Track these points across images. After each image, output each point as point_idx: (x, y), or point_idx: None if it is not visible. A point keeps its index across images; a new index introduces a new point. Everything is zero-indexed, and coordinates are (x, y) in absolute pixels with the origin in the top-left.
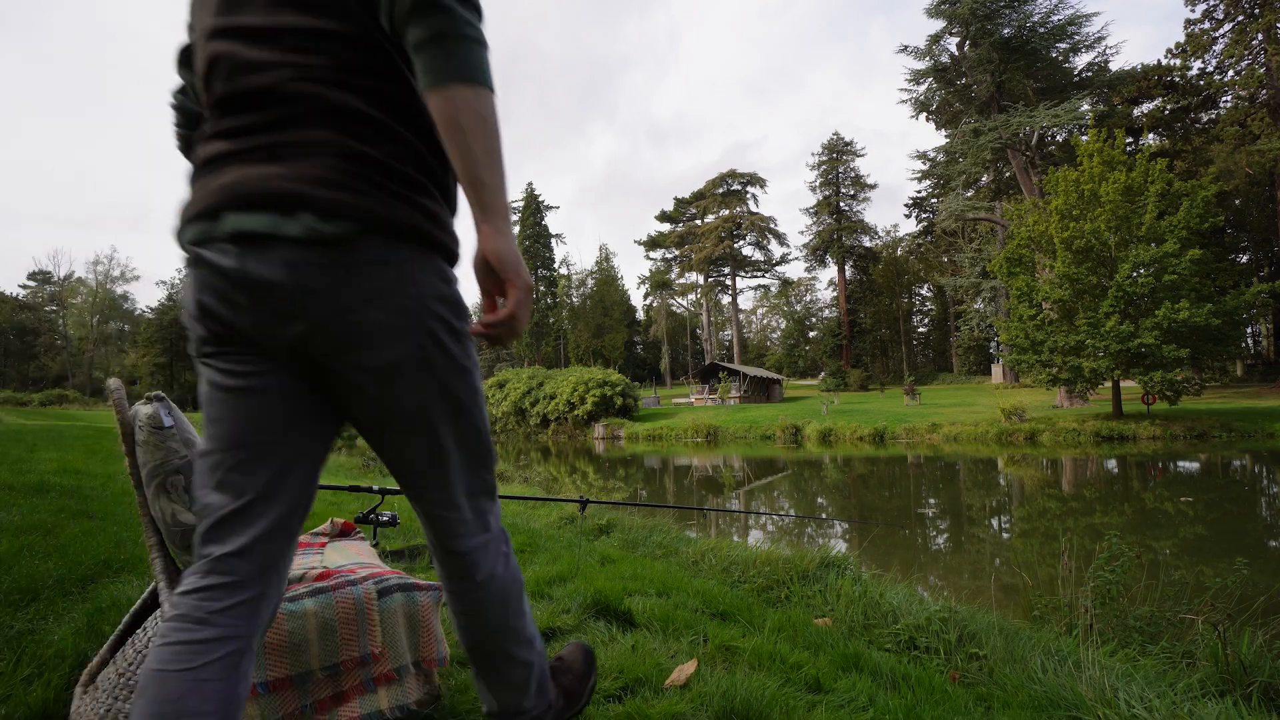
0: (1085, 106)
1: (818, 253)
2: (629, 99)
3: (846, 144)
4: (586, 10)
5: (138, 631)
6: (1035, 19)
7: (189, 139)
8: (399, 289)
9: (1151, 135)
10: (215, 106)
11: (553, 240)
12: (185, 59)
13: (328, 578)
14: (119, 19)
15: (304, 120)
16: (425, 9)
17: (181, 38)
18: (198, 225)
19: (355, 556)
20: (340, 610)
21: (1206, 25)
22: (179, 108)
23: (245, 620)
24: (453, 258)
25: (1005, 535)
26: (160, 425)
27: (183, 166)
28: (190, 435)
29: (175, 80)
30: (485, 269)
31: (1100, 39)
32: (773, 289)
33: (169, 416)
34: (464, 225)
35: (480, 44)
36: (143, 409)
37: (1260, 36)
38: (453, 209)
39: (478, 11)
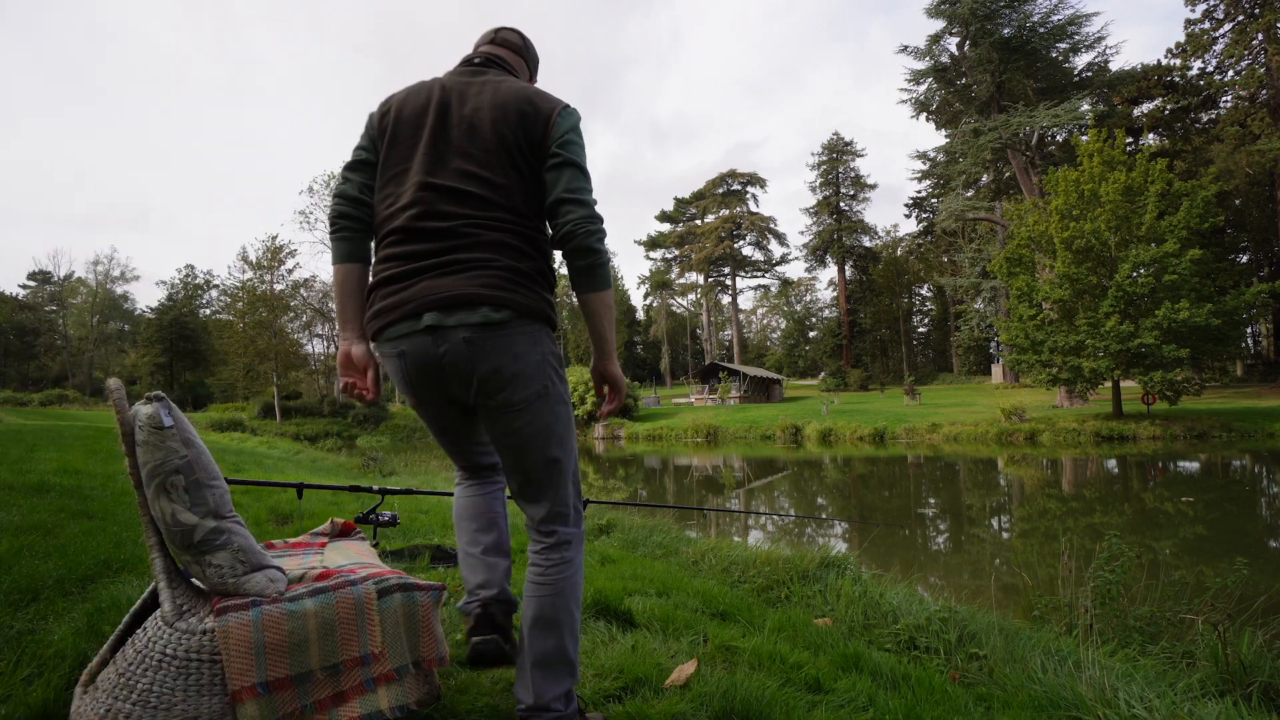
0: (1085, 106)
1: (818, 253)
2: (631, 99)
3: (846, 144)
4: (589, 9)
5: (137, 631)
6: (1035, 19)
7: (346, 214)
8: (534, 349)
9: (1151, 135)
10: (405, 230)
11: None
12: (358, 166)
13: (327, 577)
14: (120, 19)
15: (471, 249)
16: (587, 252)
17: (352, 150)
18: (402, 324)
19: (355, 556)
20: (340, 610)
21: (1206, 25)
22: (343, 195)
23: (495, 483)
24: (555, 326)
25: (1005, 535)
26: (160, 425)
27: (185, 167)
28: (190, 435)
29: (344, 175)
30: (603, 380)
31: (1100, 39)
32: (773, 289)
33: (169, 416)
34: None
35: (609, 264)
36: (142, 409)
37: (1260, 36)
38: (554, 293)
39: (605, 239)
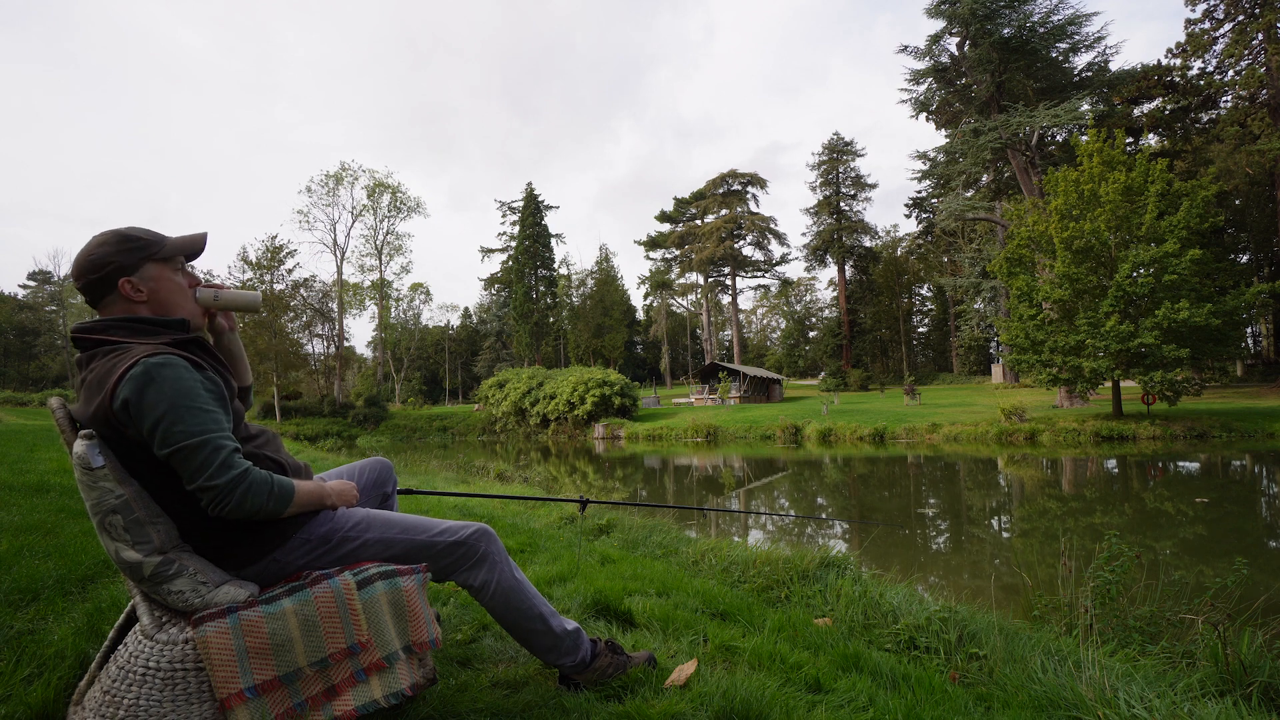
0: (1085, 106)
1: (818, 253)
2: (657, 98)
3: (846, 144)
4: (622, 9)
5: (119, 647)
6: (1035, 19)
7: None
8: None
9: (1151, 135)
10: None
11: (553, 240)
12: None
13: (301, 575)
14: (128, 19)
15: None
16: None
17: None
18: None
19: None
20: (320, 604)
21: (1206, 25)
22: None
23: None
24: None
25: (1005, 535)
26: (90, 466)
27: (198, 166)
28: (124, 474)
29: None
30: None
31: (1100, 39)
32: (773, 289)
33: (99, 456)
34: None
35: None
36: (76, 446)
37: (1260, 36)
38: None
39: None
